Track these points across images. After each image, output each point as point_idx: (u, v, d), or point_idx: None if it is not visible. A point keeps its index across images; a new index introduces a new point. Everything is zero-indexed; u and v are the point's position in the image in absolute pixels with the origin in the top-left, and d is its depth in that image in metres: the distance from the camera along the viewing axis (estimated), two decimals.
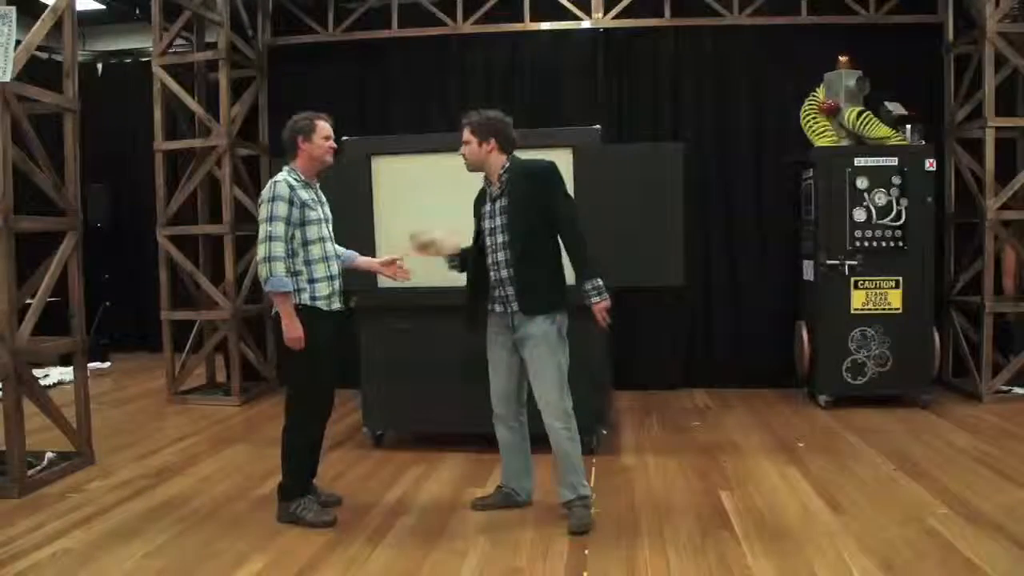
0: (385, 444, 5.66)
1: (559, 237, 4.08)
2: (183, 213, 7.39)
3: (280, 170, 4.24)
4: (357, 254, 4.55)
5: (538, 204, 4.04)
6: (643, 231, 5.15)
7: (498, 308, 4.21)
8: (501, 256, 4.11)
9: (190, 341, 7.58)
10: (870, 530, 3.99)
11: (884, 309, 6.41)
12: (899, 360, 6.42)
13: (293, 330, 4.03)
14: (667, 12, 7.39)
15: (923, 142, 6.58)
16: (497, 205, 4.14)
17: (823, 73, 6.83)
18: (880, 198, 6.42)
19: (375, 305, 5.49)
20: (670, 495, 4.60)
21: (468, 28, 7.54)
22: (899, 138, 6.55)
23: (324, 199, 4.35)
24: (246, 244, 7.51)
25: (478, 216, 4.28)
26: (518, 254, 4.05)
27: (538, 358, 4.12)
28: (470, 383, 5.36)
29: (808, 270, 6.78)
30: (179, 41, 7.56)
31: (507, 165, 4.15)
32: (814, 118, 6.79)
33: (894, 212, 6.40)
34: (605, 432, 5.51)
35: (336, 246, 4.35)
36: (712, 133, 7.48)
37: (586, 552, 3.83)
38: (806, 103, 6.85)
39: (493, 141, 4.14)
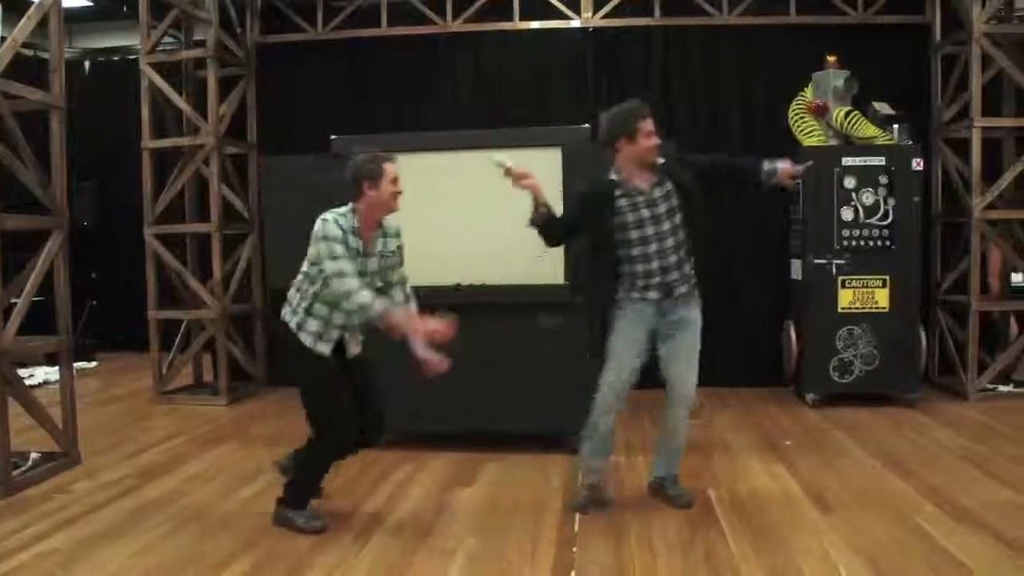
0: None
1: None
2: (171, 212, 7.36)
3: (332, 205, 4.06)
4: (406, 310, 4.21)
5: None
6: None
7: (653, 295, 4.21)
8: (671, 242, 4.15)
9: (177, 340, 7.56)
10: (857, 528, 4.01)
11: (871, 308, 6.44)
12: (886, 359, 6.45)
13: (410, 327, 3.92)
14: (656, 12, 7.40)
15: (910, 142, 6.62)
16: (657, 193, 4.14)
17: (811, 73, 6.85)
18: (867, 197, 6.44)
19: None
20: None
21: (457, 27, 7.53)
22: (886, 138, 6.58)
23: (383, 249, 4.14)
24: (234, 243, 7.51)
25: (615, 208, 4.14)
26: (682, 243, 4.20)
27: (694, 344, 4.33)
28: (458, 383, 5.37)
29: (796, 269, 6.80)
30: (167, 39, 7.53)
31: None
32: (802, 118, 6.81)
33: (881, 211, 6.43)
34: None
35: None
36: (701, 132, 7.48)
37: (574, 550, 3.83)
38: (794, 103, 6.87)
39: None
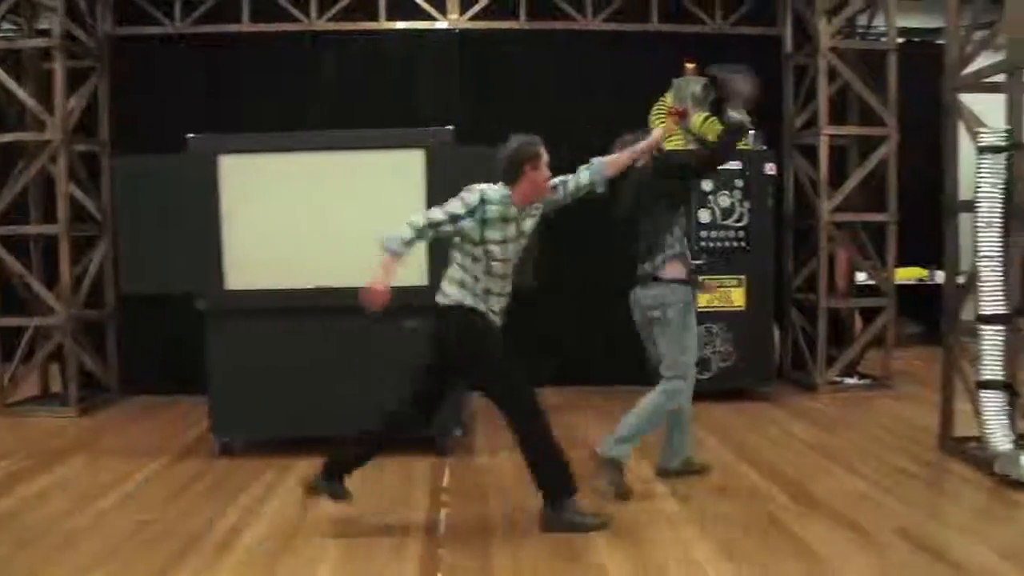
0: (234, 452, 5.48)
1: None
2: (13, 212, 6.92)
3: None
4: None
5: None
6: None
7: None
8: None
9: (20, 349, 7.10)
10: (713, 519, 4.15)
11: (728, 307, 6.68)
12: (742, 355, 6.71)
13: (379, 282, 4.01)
14: (522, 15, 7.48)
15: (764, 148, 6.91)
16: None
17: (671, 79, 7.05)
18: (724, 200, 6.69)
19: (223, 307, 5.31)
20: (523, 494, 4.62)
21: (322, 25, 7.40)
22: (742, 143, 6.83)
23: (530, 228, 4.29)
24: (84, 245, 7.13)
25: None
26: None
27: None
28: (320, 386, 5.28)
29: None
30: (6, 25, 7.09)
31: None
32: (662, 122, 6.99)
33: (737, 214, 6.69)
34: (459, 434, 5.51)
35: None
36: (565, 134, 7.56)
37: (440, 552, 3.81)
38: (655, 108, 7.04)
39: None
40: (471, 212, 4.00)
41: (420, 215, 4.04)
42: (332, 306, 5.23)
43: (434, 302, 4.19)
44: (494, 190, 4.09)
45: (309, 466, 5.10)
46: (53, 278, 6.91)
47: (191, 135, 5.41)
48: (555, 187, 4.35)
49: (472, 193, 4.05)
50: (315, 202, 5.32)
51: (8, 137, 6.85)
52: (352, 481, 4.85)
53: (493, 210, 4.02)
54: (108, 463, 5.33)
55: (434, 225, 3.99)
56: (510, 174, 4.13)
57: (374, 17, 7.41)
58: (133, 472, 5.11)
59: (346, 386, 5.25)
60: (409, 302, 5.19)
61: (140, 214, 5.36)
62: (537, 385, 4.47)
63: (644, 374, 4.93)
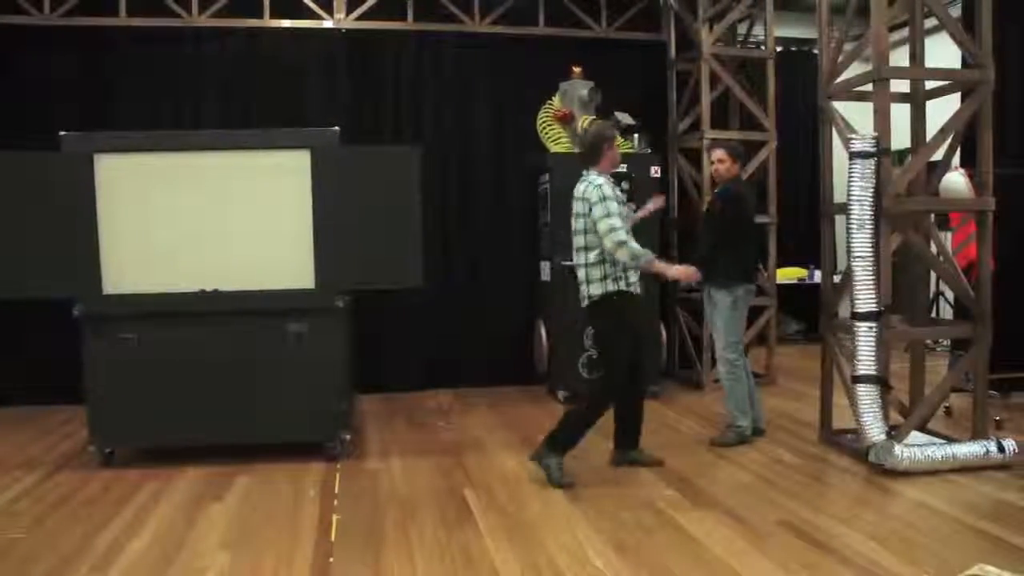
0: (116, 462, 5.26)
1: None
2: None
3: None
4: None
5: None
6: (382, 233, 5.14)
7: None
8: None
9: None
10: (604, 514, 4.21)
11: None
12: None
13: (680, 271, 4.92)
14: (410, 16, 7.44)
15: (649, 150, 7.07)
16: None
17: (559, 82, 7.15)
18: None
19: (101, 312, 5.09)
20: (415, 496, 4.62)
21: (203, 21, 7.18)
22: (627, 146, 6.98)
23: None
24: None
25: None
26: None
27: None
28: (205, 393, 5.14)
29: (545, 270, 7.07)
30: None
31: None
32: (550, 125, 7.09)
33: None
34: (348, 437, 5.44)
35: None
36: (453, 136, 7.60)
37: (331, 560, 3.75)
38: (542, 110, 7.15)
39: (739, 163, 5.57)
40: (617, 199, 4.71)
41: (620, 234, 4.60)
42: (216, 310, 5.11)
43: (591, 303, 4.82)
44: (595, 176, 4.77)
45: (195, 475, 4.99)
46: None
47: (64, 132, 5.17)
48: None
49: (602, 186, 4.65)
50: (198, 203, 5.17)
51: None
52: (240, 488, 4.77)
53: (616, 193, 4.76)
54: None
55: (619, 228, 4.63)
56: (595, 155, 4.84)
57: (257, 14, 7.24)
58: (4, 487, 4.85)
59: (231, 391, 5.14)
60: (296, 305, 5.16)
61: (9, 215, 5.09)
62: None
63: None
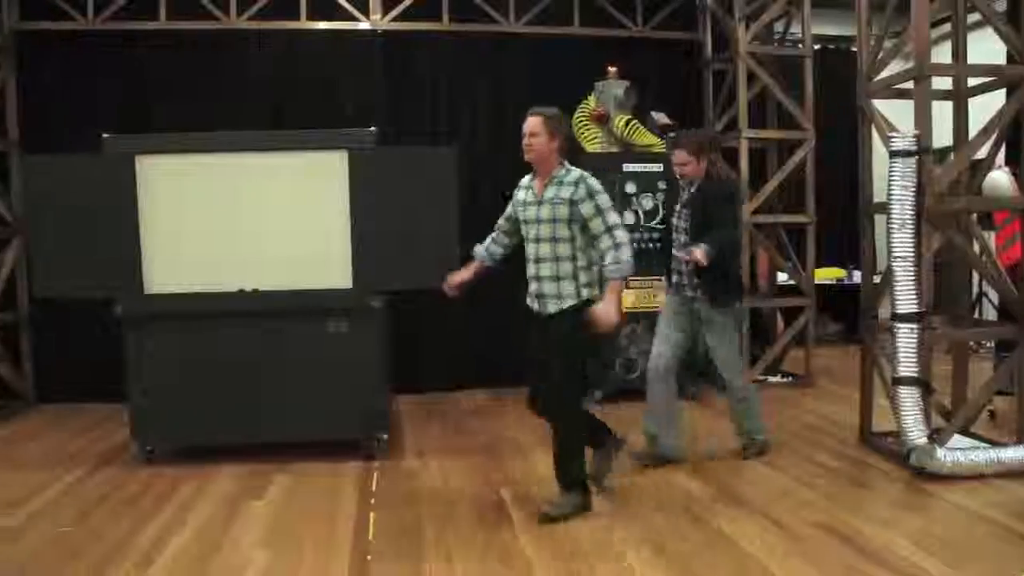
0: (156, 460, 5.33)
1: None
2: None
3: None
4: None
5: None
6: (419, 233, 5.16)
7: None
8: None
9: None
10: (642, 519, 4.19)
11: (652, 307, 6.75)
12: None
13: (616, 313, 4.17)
14: (445, 17, 7.46)
15: None
16: (683, 211, 5.04)
17: (594, 82, 7.13)
18: (647, 202, 6.78)
19: (142, 312, 5.17)
20: (452, 496, 4.63)
21: (242, 24, 7.25)
22: (663, 146, 6.94)
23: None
24: None
25: (670, 209, 5.20)
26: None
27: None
28: (246, 391, 5.19)
29: None
30: None
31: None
32: (585, 125, 7.07)
33: (660, 215, 6.78)
34: (385, 436, 5.46)
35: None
36: (488, 136, 7.61)
37: (368, 559, 3.77)
38: (578, 111, 7.13)
39: (706, 157, 4.98)
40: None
41: (621, 233, 4.18)
42: (255, 309, 5.16)
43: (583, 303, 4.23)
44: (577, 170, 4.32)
45: (234, 473, 5.04)
46: None
47: (107, 135, 5.25)
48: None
49: (590, 179, 4.24)
50: (236, 204, 5.23)
51: None
52: (280, 486, 4.82)
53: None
54: (23, 474, 5.13)
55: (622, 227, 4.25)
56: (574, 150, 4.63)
57: (294, 16, 7.30)
58: (50, 483, 4.94)
59: (269, 390, 5.18)
60: (334, 304, 5.20)
61: (53, 216, 5.18)
62: None
63: None
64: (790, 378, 7.52)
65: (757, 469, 5.02)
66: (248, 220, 5.23)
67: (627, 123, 6.93)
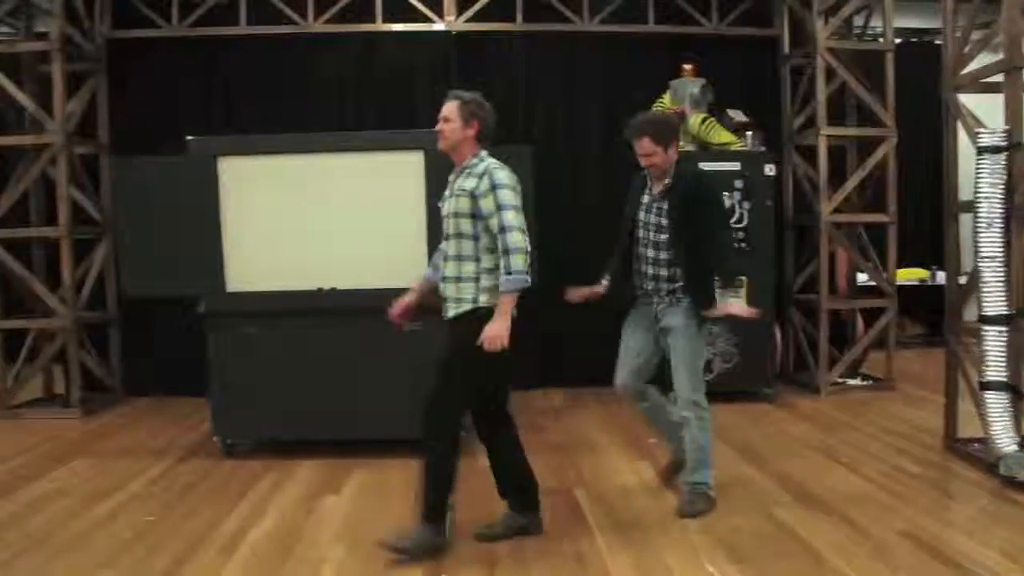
0: (237, 453, 5.47)
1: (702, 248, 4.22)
2: (14, 215, 6.91)
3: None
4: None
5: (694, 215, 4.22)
6: None
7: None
8: (651, 253, 4.31)
9: (24, 351, 7.10)
10: (718, 519, 4.15)
11: None
12: (744, 357, 6.71)
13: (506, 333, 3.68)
14: (519, 17, 7.48)
15: (763, 148, 6.92)
16: (655, 206, 4.32)
17: (669, 80, 7.07)
18: (724, 201, 6.68)
19: (224, 310, 5.30)
20: None
21: (319, 27, 7.39)
22: (740, 144, 6.86)
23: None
24: (85, 247, 7.12)
25: (634, 203, 4.43)
26: (672, 255, 4.25)
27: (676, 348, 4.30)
28: (325, 388, 5.28)
29: None
30: (4, 28, 7.07)
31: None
32: None
33: (737, 215, 6.69)
34: (462, 435, 5.48)
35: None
36: (562, 136, 7.61)
37: (446, 554, 3.81)
38: (652, 109, 7.07)
39: (675, 144, 4.31)
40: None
41: (514, 236, 3.67)
42: (332, 308, 5.25)
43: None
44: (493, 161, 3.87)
45: (312, 468, 5.14)
46: (55, 280, 6.91)
47: (190, 137, 5.41)
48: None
49: (500, 171, 3.79)
50: (314, 204, 5.33)
51: (8, 140, 6.85)
52: (356, 482, 4.89)
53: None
54: (112, 465, 5.33)
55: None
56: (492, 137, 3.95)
57: (370, 19, 7.40)
58: (137, 474, 5.12)
59: (347, 388, 5.26)
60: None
61: (140, 217, 5.36)
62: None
63: None
64: (870, 381, 7.35)
65: (837, 473, 4.91)
66: (326, 220, 5.33)
67: (703, 121, 6.85)
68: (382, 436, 5.37)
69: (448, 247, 3.86)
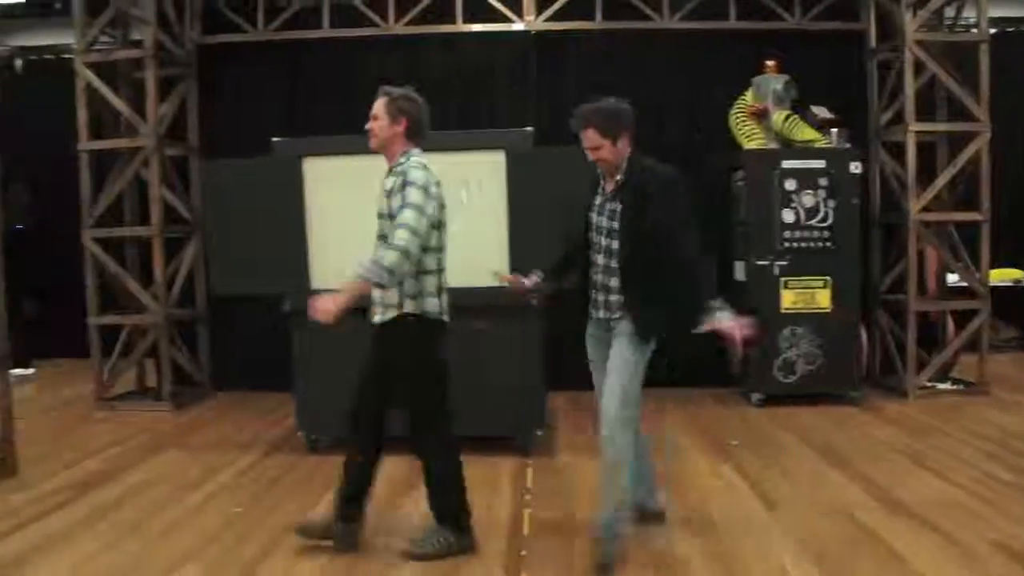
0: (321, 449, 5.58)
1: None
2: (110, 215, 7.19)
3: None
4: None
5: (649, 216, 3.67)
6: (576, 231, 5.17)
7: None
8: (603, 260, 3.81)
9: (119, 346, 7.38)
10: (801, 524, 4.08)
11: (813, 308, 6.56)
12: (828, 358, 6.57)
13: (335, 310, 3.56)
14: (598, 15, 7.45)
15: (848, 145, 6.76)
16: (607, 207, 3.82)
17: (751, 77, 6.97)
18: (808, 200, 6.57)
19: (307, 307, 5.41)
20: None
21: (400, 29, 7.48)
22: (825, 141, 6.71)
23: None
24: (176, 246, 7.36)
25: (589, 201, 3.92)
26: (622, 264, 3.72)
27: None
28: None
29: (740, 270, 6.90)
30: (103, 37, 7.36)
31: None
32: (743, 121, 6.92)
33: (821, 213, 6.56)
34: (541, 433, 5.52)
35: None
36: (642, 135, 7.51)
37: (523, 554, 3.83)
38: (735, 106, 6.98)
39: (625, 135, 3.83)
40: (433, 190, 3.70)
41: (401, 234, 3.55)
42: None
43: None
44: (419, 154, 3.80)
45: (394, 465, 5.20)
46: (148, 278, 7.16)
47: (276, 138, 5.54)
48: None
49: (415, 170, 3.67)
50: None
51: (105, 143, 7.13)
52: None
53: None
54: (201, 457, 5.51)
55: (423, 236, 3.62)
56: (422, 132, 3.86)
57: (450, 19, 7.47)
58: (225, 466, 5.27)
59: None
60: (493, 303, 5.29)
61: (228, 216, 5.51)
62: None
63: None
64: (961, 385, 7.11)
65: (924, 479, 4.77)
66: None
67: (786, 118, 6.73)
68: (461, 433, 5.38)
69: (375, 249, 3.72)
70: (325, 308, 3.55)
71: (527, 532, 4.11)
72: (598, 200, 3.87)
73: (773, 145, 6.82)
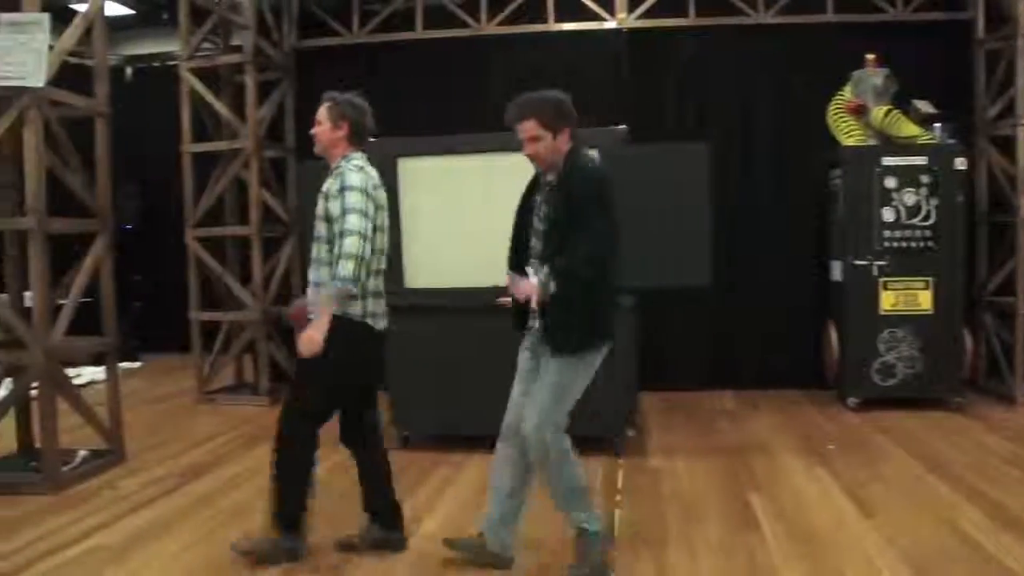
0: (413, 445, 5.67)
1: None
2: (211, 215, 7.46)
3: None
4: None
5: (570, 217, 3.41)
6: (669, 231, 5.13)
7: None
8: (534, 265, 3.58)
9: (219, 341, 7.64)
10: (901, 533, 3.96)
11: (914, 310, 6.35)
12: (930, 362, 6.36)
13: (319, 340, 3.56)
14: (691, 12, 7.36)
15: (952, 140, 6.52)
16: (542, 208, 3.60)
17: (850, 72, 6.78)
18: (909, 198, 6.36)
19: (401, 305, 5.49)
20: (698, 496, 4.59)
21: (492, 29, 7.55)
22: (928, 137, 6.49)
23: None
24: (273, 245, 7.57)
25: (526, 206, 3.69)
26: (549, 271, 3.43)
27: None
28: (495, 384, 5.38)
29: (837, 270, 6.73)
30: (206, 44, 7.63)
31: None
32: (842, 117, 6.74)
33: (923, 212, 6.35)
34: (632, 434, 5.49)
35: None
36: (737, 132, 7.44)
37: (615, 553, 3.81)
38: (833, 102, 6.80)
39: (567, 130, 3.53)
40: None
41: (348, 242, 3.51)
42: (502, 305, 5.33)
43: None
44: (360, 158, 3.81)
45: (484, 462, 5.24)
46: (246, 276, 7.40)
47: (371, 139, 5.62)
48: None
49: (353, 173, 3.67)
50: (489, 202, 5.43)
51: (207, 146, 7.39)
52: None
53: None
54: None
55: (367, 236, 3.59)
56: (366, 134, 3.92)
57: (542, 19, 7.49)
58: (319, 460, 5.37)
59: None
60: None
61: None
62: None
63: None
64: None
65: None
66: (499, 218, 5.40)
67: (887, 113, 6.52)
68: None
69: (312, 250, 3.77)
70: (311, 342, 3.55)
71: (617, 533, 4.09)
72: (538, 198, 3.65)
73: (873, 141, 6.62)
